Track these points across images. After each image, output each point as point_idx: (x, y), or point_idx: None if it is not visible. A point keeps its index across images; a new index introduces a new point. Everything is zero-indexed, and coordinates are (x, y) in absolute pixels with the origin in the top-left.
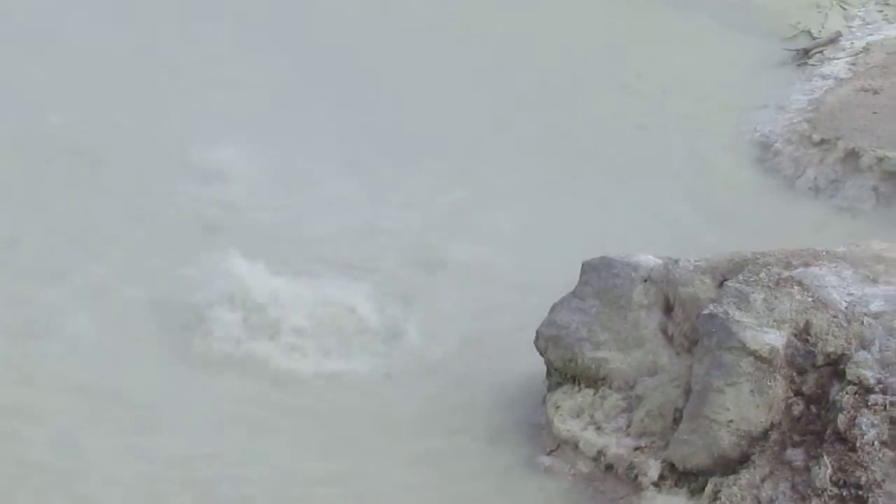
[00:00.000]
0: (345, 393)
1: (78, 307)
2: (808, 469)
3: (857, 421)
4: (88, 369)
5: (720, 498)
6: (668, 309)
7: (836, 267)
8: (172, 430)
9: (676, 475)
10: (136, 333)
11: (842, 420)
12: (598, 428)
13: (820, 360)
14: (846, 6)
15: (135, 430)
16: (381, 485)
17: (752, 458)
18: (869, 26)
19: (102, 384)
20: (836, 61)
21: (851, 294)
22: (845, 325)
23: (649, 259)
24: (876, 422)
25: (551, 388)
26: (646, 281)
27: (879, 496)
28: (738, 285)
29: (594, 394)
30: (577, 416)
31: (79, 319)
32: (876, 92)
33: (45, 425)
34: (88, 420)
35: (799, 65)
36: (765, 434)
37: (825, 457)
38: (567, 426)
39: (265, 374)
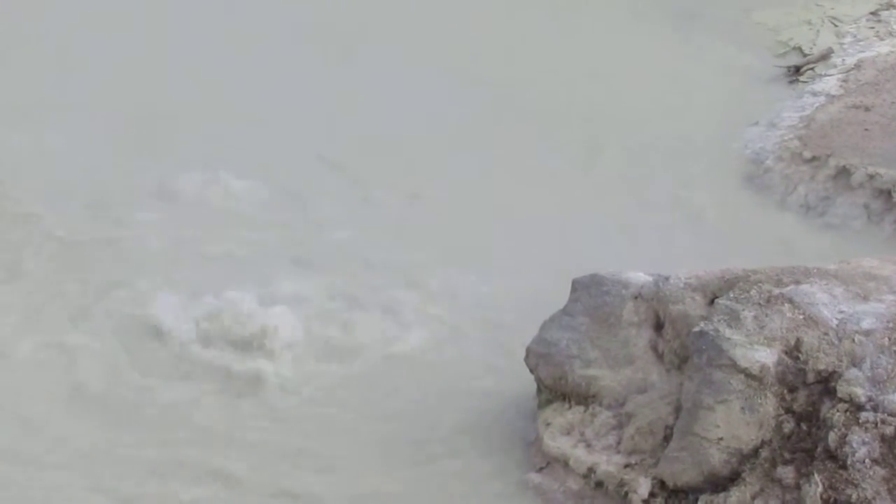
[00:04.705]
0: (325, 411)
1: None
2: (798, 487)
3: (847, 439)
4: None
5: None
6: (658, 326)
7: (826, 284)
8: None
9: (667, 492)
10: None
11: (832, 438)
12: (589, 445)
13: (811, 377)
14: (838, 23)
15: None
16: None
17: (743, 475)
18: (860, 43)
19: None
20: (827, 78)
21: (842, 311)
22: (836, 342)
23: (639, 276)
24: (867, 439)
25: (541, 405)
26: (636, 298)
27: None
28: (728, 303)
29: (584, 411)
30: (568, 434)
31: None
32: (867, 109)
33: None
34: None
35: (790, 81)
36: (755, 451)
37: (816, 474)
38: (557, 443)
39: None
